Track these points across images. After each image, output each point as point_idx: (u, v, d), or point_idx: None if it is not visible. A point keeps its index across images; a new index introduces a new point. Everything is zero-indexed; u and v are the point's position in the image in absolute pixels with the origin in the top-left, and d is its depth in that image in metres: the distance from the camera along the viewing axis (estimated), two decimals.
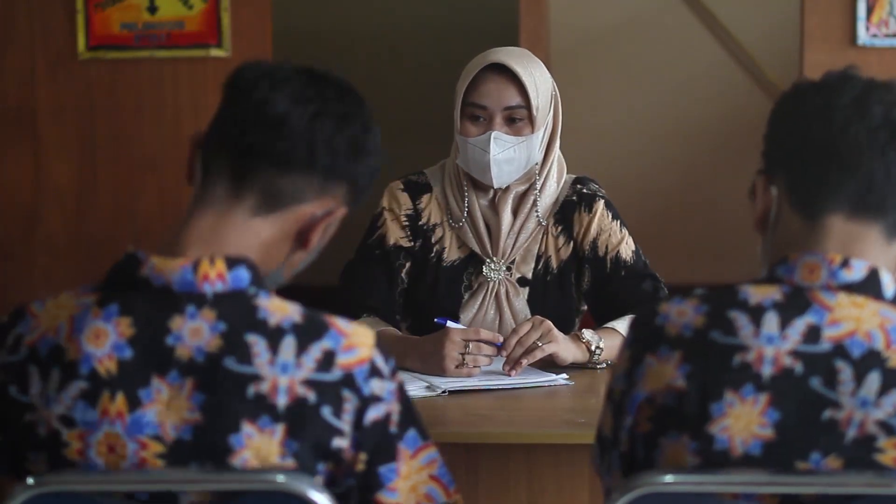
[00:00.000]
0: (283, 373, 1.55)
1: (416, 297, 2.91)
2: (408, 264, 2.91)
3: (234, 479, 1.54)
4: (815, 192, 1.60)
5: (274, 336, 1.56)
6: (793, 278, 1.58)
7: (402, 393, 1.64)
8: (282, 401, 1.55)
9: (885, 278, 1.58)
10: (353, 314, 2.83)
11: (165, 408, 1.54)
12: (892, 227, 1.61)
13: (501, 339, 2.63)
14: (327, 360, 1.57)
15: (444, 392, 2.52)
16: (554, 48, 5.68)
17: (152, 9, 4.19)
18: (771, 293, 1.57)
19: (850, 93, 1.60)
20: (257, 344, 1.55)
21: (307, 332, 1.58)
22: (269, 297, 1.59)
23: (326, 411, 1.56)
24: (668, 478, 1.53)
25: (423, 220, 2.92)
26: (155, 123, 4.26)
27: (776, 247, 1.64)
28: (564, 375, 2.62)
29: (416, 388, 2.54)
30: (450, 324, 2.66)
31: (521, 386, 2.59)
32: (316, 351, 1.57)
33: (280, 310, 1.58)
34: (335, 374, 1.57)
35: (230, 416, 1.54)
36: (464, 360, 2.61)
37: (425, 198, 2.93)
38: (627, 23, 6.46)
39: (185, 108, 4.25)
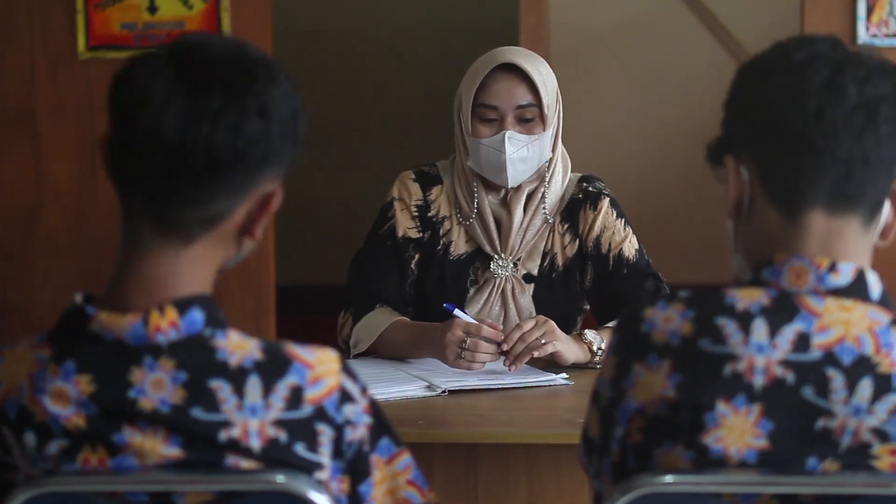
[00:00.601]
0: (252, 416, 1.52)
1: (423, 288, 2.91)
2: (417, 255, 2.91)
3: (235, 480, 1.53)
4: (793, 184, 1.55)
5: (237, 378, 1.52)
6: (779, 283, 1.55)
7: (373, 407, 1.62)
8: (255, 444, 1.53)
9: (871, 279, 1.56)
10: (366, 306, 2.83)
11: (141, 449, 1.52)
12: (868, 213, 1.57)
13: (501, 337, 2.63)
14: (295, 398, 1.54)
15: (444, 392, 2.52)
16: (554, 48, 5.68)
17: (152, 9, 4.19)
18: (758, 297, 1.54)
19: (822, 73, 1.54)
20: (221, 389, 1.52)
21: (270, 370, 1.54)
22: (227, 336, 1.54)
23: (300, 448, 1.54)
24: (668, 478, 1.53)
25: (433, 212, 2.92)
26: None
27: (753, 239, 1.61)
28: (564, 375, 2.62)
29: (416, 387, 2.54)
30: (457, 312, 2.66)
31: (521, 386, 2.59)
32: (283, 389, 1.54)
33: (239, 348, 1.54)
34: (305, 411, 1.55)
35: (211, 456, 1.52)
36: (462, 352, 2.61)
37: (435, 190, 2.93)
38: (627, 23, 6.46)
39: None
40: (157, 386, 1.51)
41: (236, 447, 1.52)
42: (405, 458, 1.65)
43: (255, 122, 1.52)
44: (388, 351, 2.76)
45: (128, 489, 1.55)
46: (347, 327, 2.84)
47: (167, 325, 1.52)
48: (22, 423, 1.54)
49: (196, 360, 1.52)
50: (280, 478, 1.52)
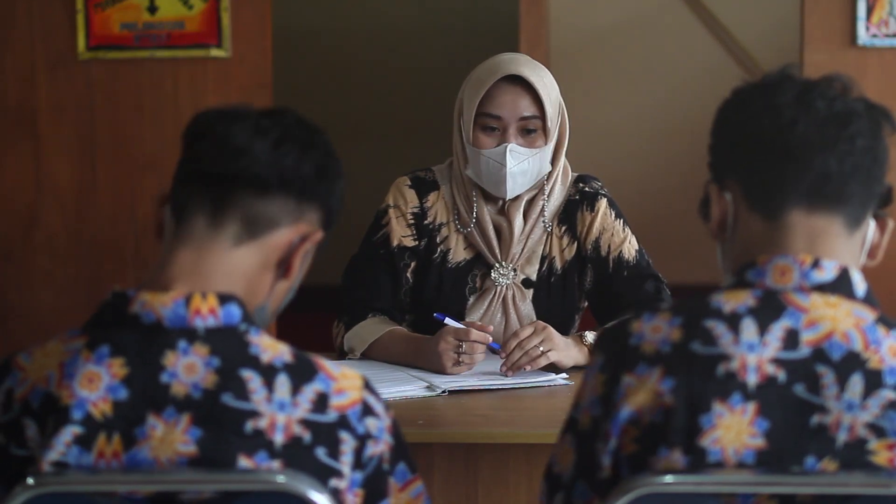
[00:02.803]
0: (280, 410, 1.55)
1: (421, 296, 2.90)
2: (413, 264, 2.90)
3: (235, 480, 1.54)
4: (773, 188, 1.59)
5: (268, 373, 1.56)
6: (764, 282, 1.57)
7: (395, 428, 1.65)
8: (279, 438, 1.55)
9: (856, 277, 1.58)
10: (358, 315, 2.82)
11: (159, 443, 1.54)
12: (851, 218, 1.60)
13: (490, 339, 2.64)
14: (321, 402, 1.57)
15: (444, 392, 2.52)
16: (554, 48, 5.68)
17: (152, 9, 4.19)
18: (744, 299, 1.56)
19: (792, 90, 1.59)
20: (252, 380, 1.55)
21: (299, 374, 1.58)
22: (260, 335, 1.59)
23: (321, 452, 1.56)
24: (668, 478, 1.53)
25: (429, 219, 2.89)
26: (155, 123, 4.26)
27: (738, 251, 1.63)
28: (564, 375, 2.63)
29: (416, 387, 2.54)
30: (448, 321, 2.66)
31: (521, 386, 2.59)
32: (310, 392, 1.57)
33: (271, 348, 1.58)
34: (330, 416, 1.58)
35: (227, 451, 1.54)
36: (459, 358, 2.61)
37: (432, 196, 2.91)
38: (627, 23, 6.46)
39: (185, 108, 4.25)
40: (189, 370, 1.55)
41: (260, 439, 1.54)
42: (418, 486, 1.67)
43: (319, 155, 1.67)
44: (382, 361, 2.76)
45: (129, 489, 1.55)
46: (340, 337, 2.83)
47: (207, 311, 1.57)
48: (45, 410, 1.55)
49: (230, 349, 1.56)
50: (280, 478, 1.53)
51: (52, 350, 1.59)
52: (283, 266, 1.65)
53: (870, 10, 4.06)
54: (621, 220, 2.89)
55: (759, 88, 1.62)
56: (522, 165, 2.77)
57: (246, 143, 1.61)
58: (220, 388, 1.54)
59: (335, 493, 1.57)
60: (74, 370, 1.55)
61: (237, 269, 1.62)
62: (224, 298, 1.58)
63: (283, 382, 1.56)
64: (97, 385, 1.54)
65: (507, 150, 2.76)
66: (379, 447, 1.61)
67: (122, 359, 1.55)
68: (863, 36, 4.07)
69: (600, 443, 1.58)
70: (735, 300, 1.56)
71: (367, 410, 1.60)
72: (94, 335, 1.58)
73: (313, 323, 3.78)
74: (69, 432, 1.54)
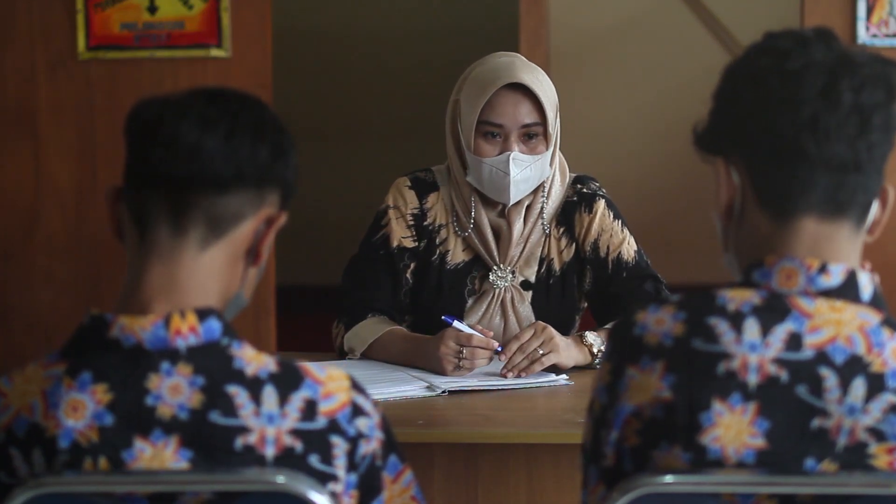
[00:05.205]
0: (269, 423, 1.54)
1: (420, 297, 2.90)
2: (413, 265, 2.89)
3: (235, 480, 1.54)
4: (785, 192, 1.56)
5: (254, 386, 1.55)
6: (770, 284, 1.55)
7: (384, 423, 1.64)
8: (270, 451, 1.54)
9: (863, 280, 1.56)
10: (357, 315, 2.82)
11: (149, 466, 1.53)
12: (860, 217, 1.58)
13: (496, 345, 2.63)
14: (310, 409, 1.56)
15: (444, 392, 2.52)
16: (554, 48, 5.67)
17: (152, 9, 4.19)
18: (749, 298, 1.55)
19: (817, 82, 1.53)
20: (239, 395, 1.54)
21: (285, 383, 1.56)
22: (242, 347, 1.58)
23: (314, 459, 1.56)
24: (668, 478, 1.53)
25: (429, 221, 2.89)
26: None
27: (744, 241, 1.60)
28: (565, 376, 2.63)
29: (416, 387, 2.54)
30: (456, 323, 2.66)
31: (521, 386, 2.59)
32: (297, 401, 1.56)
33: (255, 359, 1.57)
34: (320, 423, 1.57)
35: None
36: (459, 362, 2.61)
37: (432, 197, 2.90)
38: (627, 23, 6.46)
39: None
40: (174, 391, 1.53)
41: (251, 455, 1.53)
42: (408, 475, 1.67)
43: (272, 135, 1.61)
44: (382, 361, 2.76)
45: (128, 490, 1.55)
46: (340, 337, 2.83)
47: (187, 330, 1.55)
48: (31, 441, 1.54)
49: (214, 366, 1.55)
50: (280, 478, 1.53)
51: (32, 375, 1.57)
52: (252, 254, 1.63)
53: (870, 10, 4.06)
54: (619, 221, 2.88)
55: (781, 74, 1.55)
56: (525, 172, 2.77)
57: (197, 140, 1.56)
58: (207, 407, 1.53)
59: (332, 497, 1.56)
60: (58, 399, 1.54)
61: (209, 274, 1.59)
62: (203, 314, 1.56)
63: (269, 394, 1.55)
64: (82, 413, 1.53)
65: (510, 158, 2.75)
66: (371, 445, 1.61)
67: (105, 384, 1.54)
68: (863, 36, 4.07)
69: (604, 430, 1.59)
70: (740, 298, 1.55)
71: (356, 411, 1.59)
72: (74, 362, 1.56)
73: (313, 323, 3.79)
74: (59, 462, 1.52)
